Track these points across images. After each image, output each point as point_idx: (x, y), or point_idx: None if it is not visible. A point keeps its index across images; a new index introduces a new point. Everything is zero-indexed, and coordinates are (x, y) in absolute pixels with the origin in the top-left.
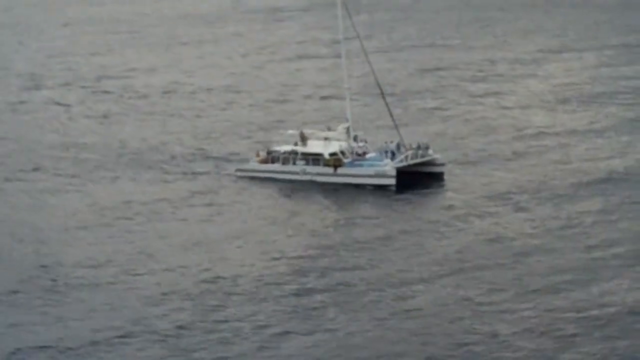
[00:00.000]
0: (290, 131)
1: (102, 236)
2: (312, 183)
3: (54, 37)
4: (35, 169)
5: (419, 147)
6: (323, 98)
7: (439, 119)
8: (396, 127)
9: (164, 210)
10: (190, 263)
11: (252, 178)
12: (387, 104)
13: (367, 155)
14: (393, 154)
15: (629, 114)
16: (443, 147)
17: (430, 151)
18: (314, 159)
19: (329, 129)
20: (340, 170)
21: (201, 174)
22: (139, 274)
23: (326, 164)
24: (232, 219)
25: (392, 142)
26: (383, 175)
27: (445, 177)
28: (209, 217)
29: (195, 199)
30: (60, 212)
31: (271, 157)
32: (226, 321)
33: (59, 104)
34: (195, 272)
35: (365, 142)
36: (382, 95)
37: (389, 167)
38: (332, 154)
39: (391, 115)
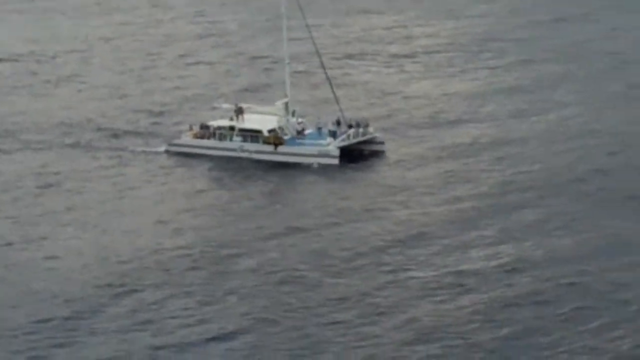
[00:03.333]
0: (225, 105)
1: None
2: (250, 161)
3: None
4: None
5: (358, 125)
6: (262, 70)
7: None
8: (337, 102)
9: (75, 188)
10: (85, 242)
11: (185, 154)
12: (329, 80)
13: (306, 132)
14: (334, 133)
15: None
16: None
17: (370, 129)
18: (252, 135)
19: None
20: (281, 149)
21: (127, 150)
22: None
23: (266, 141)
24: (151, 196)
25: (319, 119)
26: (326, 155)
27: (387, 154)
28: (122, 195)
29: (115, 175)
30: None
31: (205, 133)
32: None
33: None
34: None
35: (303, 118)
36: (325, 70)
37: (333, 146)
38: (270, 131)
39: (333, 92)
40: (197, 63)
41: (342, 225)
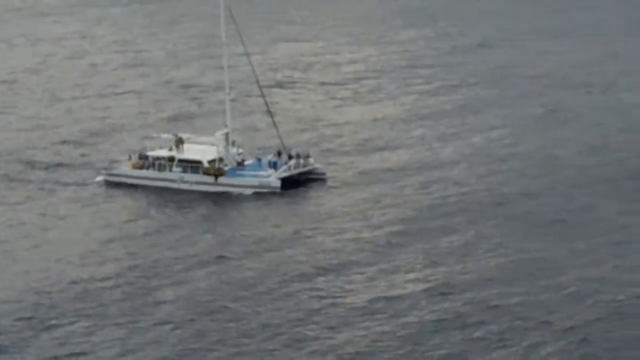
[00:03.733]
0: (165, 135)
1: None
2: (191, 192)
3: None
4: None
5: (298, 156)
6: (191, 99)
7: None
8: (278, 134)
9: (3, 220)
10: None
11: (123, 184)
12: (269, 109)
13: (246, 163)
14: (275, 163)
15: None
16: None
17: (311, 160)
18: (192, 166)
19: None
20: (221, 180)
21: (62, 183)
22: None
23: (206, 172)
24: (82, 227)
25: (259, 150)
26: (267, 186)
27: (328, 184)
28: (52, 225)
29: (44, 206)
30: None
31: (145, 163)
32: None
33: None
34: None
35: (242, 148)
36: (265, 99)
37: (274, 177)
38: (211, 161)
39: (274, 122)
40: (126, 92)
41: (272, 252)
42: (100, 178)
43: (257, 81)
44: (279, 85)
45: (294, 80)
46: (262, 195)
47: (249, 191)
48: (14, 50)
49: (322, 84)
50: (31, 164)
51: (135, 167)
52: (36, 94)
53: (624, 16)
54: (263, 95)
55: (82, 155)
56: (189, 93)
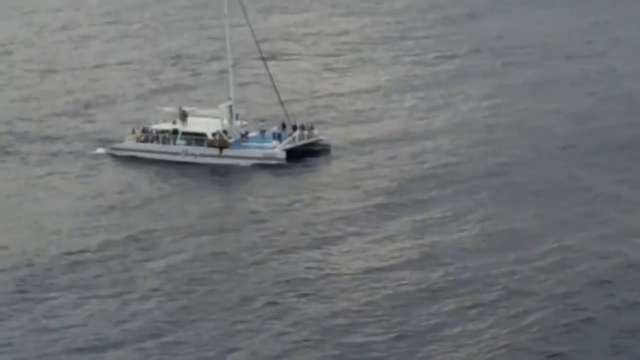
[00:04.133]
0: (168, 108)
1: None
2: (195, 164)
3: None
4: None
5: (303, 128)
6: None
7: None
8: (282, 105)
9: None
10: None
11: (128, 158)
12: (273, 83)
13: (250, 135)
14: (280, 135)
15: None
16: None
17: (315, 132)
18: (197, 139)
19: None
20: (226, 152)
21: (66, 154)
22: None
23: (211, 144)
24: (75, 198)
25: (263, 122)
26: (272, 158)
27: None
28: (45, 196)
29: (55, 180)
30: None
31: (149, 136)
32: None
33: None
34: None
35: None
36: (269, 73)
37: (279, 149)
38: (215, 134)
39: (277, 94)
40: (120, 64)
41: (266, 223)
42: (101, 151)
43: (261, 52)
44: (273, 57)
45: (288, 52)
46: (265, 167)
47: (253, 163)
48: (8, 22)
49: (316, 55)
50: (25, 136)
51: (139, 140)
52: (31, 65)
53: None
54: (267, 67)
55: (77, 127)
56: (183, 64)
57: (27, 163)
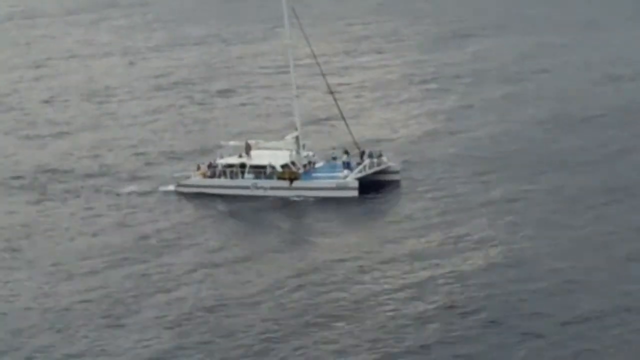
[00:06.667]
0: (232, 142)
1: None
2: (265, 198)
3: None
4: None
5: (371, 155)
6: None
7: None
8: (351, 134)
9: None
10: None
11: (196, 194)
12: (340, 111)
13: (317, 165)
14: (348, 164)
15: None
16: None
17: (384, 158)
18: (265, 171)
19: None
20: (296, 184)
21: (134, 193)
22: None
23: (280, 177)
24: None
25: (333, 149)
26: (345, 187)
27: (402, 183)
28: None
29: (128, 219)
30: None
31: (215, 171)
32: None
33: None
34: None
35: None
36: (335, 101)
37: (351, 178)
38: (284, 166)
39: (345, 123)
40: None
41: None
42: (169, 187)
43: (325, 79)
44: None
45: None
46: (337, 199)
47: (326, 193)
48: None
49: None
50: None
51: (205, 176)
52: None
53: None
54: (332, 92)
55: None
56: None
57: (92, 200)
